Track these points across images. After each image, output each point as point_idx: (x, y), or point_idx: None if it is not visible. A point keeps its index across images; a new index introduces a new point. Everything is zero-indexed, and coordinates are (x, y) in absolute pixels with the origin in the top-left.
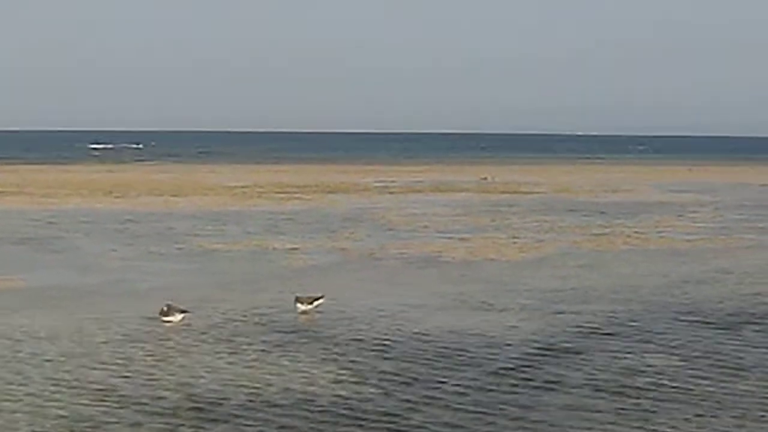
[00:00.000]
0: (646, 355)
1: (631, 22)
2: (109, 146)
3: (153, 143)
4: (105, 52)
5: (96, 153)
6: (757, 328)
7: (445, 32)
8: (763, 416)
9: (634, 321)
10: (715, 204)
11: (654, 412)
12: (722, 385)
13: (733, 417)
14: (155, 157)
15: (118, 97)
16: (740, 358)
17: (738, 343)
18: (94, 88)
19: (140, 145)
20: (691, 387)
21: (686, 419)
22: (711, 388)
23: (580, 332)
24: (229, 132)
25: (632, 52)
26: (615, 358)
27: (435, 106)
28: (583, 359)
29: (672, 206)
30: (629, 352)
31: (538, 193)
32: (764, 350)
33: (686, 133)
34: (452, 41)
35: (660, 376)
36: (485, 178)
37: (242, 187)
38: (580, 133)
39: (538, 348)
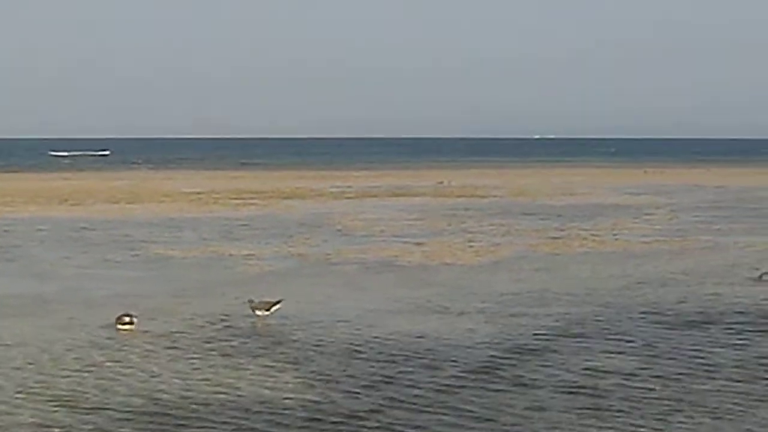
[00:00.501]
0: (607, 355)
1: (631, 22)
2: (74, 153)
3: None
4: (105, 52)
5: (66, 161)
6: (718, 327)
7: (445, 32)
8: (723, 415)
9: (594, 322)
10: (671, 206)
11: (617, 411)
12: (683, 384)
13: (694, 415)
14: (119, 164)
15: (116, 98)
16: (702, 357)
17: (700, 343)
18: (92, 89)
19: (107, 152)
20: (653, 386)
21: (648, 418)
22: (672, 388)
23: (539, 334)
24: (228, 138)
25: (632, 52)
26: (577, 359)
27: (435, 106)
28: (544, 361)
29: (628, 208)
30: (591, 353)
31: (495, 196)
32: (726, 349)
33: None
34: (452, 41)
35: (622, 376)
36: (441, 183)
37: (198, 193)
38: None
39: (498, 350)
